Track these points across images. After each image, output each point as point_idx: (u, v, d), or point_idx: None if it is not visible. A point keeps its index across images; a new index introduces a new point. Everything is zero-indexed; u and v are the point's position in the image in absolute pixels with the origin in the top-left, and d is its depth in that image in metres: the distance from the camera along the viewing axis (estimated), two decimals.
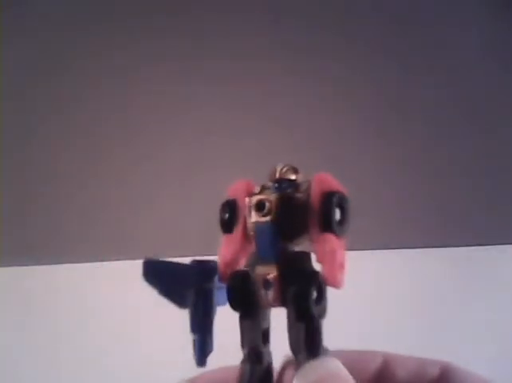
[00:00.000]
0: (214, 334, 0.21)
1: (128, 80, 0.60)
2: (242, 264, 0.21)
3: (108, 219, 0.60)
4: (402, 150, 0.60)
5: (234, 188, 0.22)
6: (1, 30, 0.59)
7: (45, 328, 0.55)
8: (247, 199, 0.21)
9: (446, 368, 0.21)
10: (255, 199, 0.21)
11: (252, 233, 0.21)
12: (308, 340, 0.19)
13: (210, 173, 0.59)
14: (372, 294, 0.54)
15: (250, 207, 0.21)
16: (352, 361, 0.21)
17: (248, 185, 0.22)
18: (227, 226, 0.22)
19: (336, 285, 0.19)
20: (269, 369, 0.20)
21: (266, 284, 0.20)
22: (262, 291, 0.20)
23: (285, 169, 0.21)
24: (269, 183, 0.21)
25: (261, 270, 0.20)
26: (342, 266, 0.20)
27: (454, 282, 0.56)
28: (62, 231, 0.60)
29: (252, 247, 0.21)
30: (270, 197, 0.21)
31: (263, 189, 0.21)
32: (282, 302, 0.20)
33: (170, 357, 0.51)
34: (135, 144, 0.60)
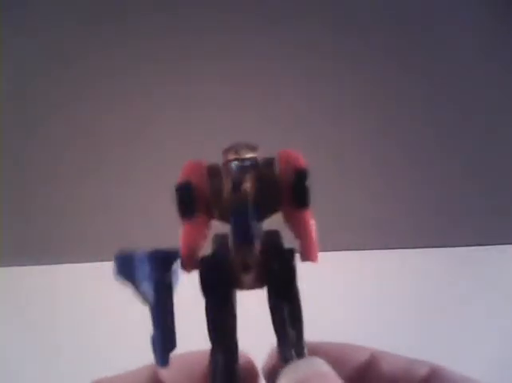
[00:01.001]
0: (176, 330, 0.20)
1: (127, 81, 0.60)
2: (203, 250, 0.21)
3: (108, 219, 0.60)
4: (401, 150, 0.60)
5: (187, 169, 0.21)
6: (1, 30, 0.59)
7: (45, 328, 0.55)
8: (208, 180, 0.21)
9: (435, 369, 0.21)
10: (228, 178, 0.20)
11: (224, 216, 0.20)
12: (294, 318, 0.19)
13: None
14: (372, 294, 0.54)
15: (217, 188, 0.20)
16: (338, 352, 0.21)
17: (201, 165, 0.21)
18: (186, 211, 0.21)
19: (314, 260, 0.20)
20: (234, 364, 0.20)
21: (246, 267, 0.19)
22: (242, 274, 0.20)
23: (245, 147, 0.21)
24: (231, 162, 0.20)
25: (238, 252, 0.19)
26: (316, 240, 0.20)
27: (454, 282, 0.56)
28: (62, 231, 0.60)
29: (210, 231, 0.21)
30: (245, 176, 0.20)
31: (226, 168, 0.20)
32: (264, 282, 0.20)
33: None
34: (135, 144, 0.60)
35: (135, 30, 0.60)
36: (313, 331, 0.20)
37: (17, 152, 0.60)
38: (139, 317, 0.56)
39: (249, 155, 0.20)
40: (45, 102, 0.60)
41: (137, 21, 0.60)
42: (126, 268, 0.20)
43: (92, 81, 0.60)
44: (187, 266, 0.20)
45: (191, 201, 0.20)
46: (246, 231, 0.19)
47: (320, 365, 0.17)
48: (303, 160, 0.20)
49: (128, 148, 0.60)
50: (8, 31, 0.59)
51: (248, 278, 0.20)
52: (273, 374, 0.20)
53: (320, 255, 0.20)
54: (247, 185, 0.20)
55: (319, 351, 0.19)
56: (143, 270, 0.20)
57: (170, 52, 0.60)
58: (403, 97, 0.60)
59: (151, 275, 0.20)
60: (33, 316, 0.56)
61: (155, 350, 0.20)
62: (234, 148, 0.20)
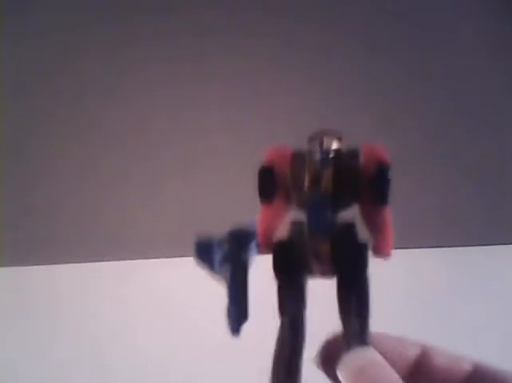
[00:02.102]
0: (249, 303, 0.21)
1: (127, 81, 0.60)
2: (280, 233, 0.21)
3: (108, 219, 0.60)
4: (402, 150, 0.60)
5: (271, 154, 0.21)
6: (1, 30, 0.59)
7: (45, 328, 0.55)
8: (289, 168, 0.21)
9: (477, 364, 0.21)
10: (310, 169, 0.20)
11: (301, 205, 0.20)
12: (361, 308, 0.20)
13: (211, 173, 0.59)
14: (371, 294, 0.54)
15: (298, 177, 0.20)
16: (393, 346, 0.21)
17: (286, 152, 0.21)
18: (266, 194, 0.21)
19: (388, 256, 0.20)
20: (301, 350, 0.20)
21: (318, 256, 0.20)
22: (313, 262, 0.20)
23: (331, 138, 0.20)
24: (315, 152, 0.20)
25: (314, 241, 0.20)
26: (393, 237, 0.20)
27: (454, 282, 0.56)
28: (62, 231, 0.60)
29: (288, 217, 0.21)
30: (327, 169, 0.20)
31: (309, 158, 0.20)
32: (335, 272, 0.20)
33: (170, 357, 0.51)
34: (135, 144, 0.60)
35: (136, 30, 0.60)
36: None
37: (18, 152, 0.60)
38: (139, 317, 0.56)
39: (333, 146, 0.20)
40: (45, 102, 0.60)
41: (137, 22, 0.60)
42: (205, 253, 0.21)
43: (92, 81, 0.60)
44: (263, 248, 0.21)
45: (271, 185, 0.21)
46: (321, 224, 0.20)
47: (376, 355, 0.18)
48: (387, 155, 0.20)
49: (129, 149, 0.60)
50: (8, 31, 0.59)
51: (320, 266, 0.20)
52: (330, 360, 0.21)
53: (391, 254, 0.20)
54: (327, 181, 0.20)
55: (377, 342, 0.20)
56: (222, 249, 0.20)
57: (170, 52, 0.60)
58: (402, 97, 0.60)
59: (230, 252, 0.20)
60: (34, 316, 0.56)
61: (229, 321, 0.21)
62: (320, 138, 0.20)
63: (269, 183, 0.21)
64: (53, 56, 0.60)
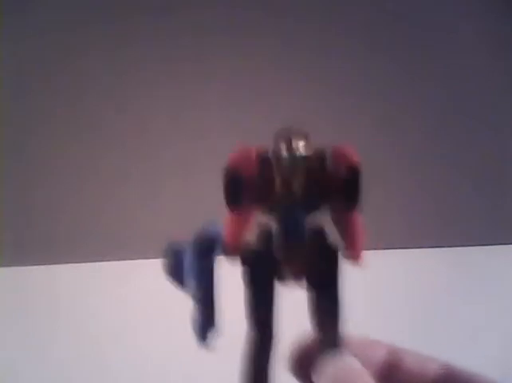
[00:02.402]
0: (217, 310, 0.21)
1: (127, 81, 0.60)
2: (246, 239, 0.21)
3: (108, 219, 0.60)
4: (402, 150, 0.60)
5: (237, 157, 0.20)
6: (1, 30, 0.59)
7: (45, 328, 0.55)
8: (258, 171, 0.20)
9: (448, 367, 0.22)
10: (280, 172, 0.19)
11: (271, 209, 0.20)
12: (332, 312, 0.19)
13: (211, 173, 0.58)
14: (372, 294, 0.54)
15: (266, 180, 0.20)
16: (362, 349, 0.21)
17: (251, 153, 0.20)
18: (233, 200, 0.20)
19: (358, 260, 0.20)
20: (270, 340, 0.20)
21: (290, 262, 0.20)
22: (285, 268, 0.20)
23: (298, 137, 0.19)
24: (282, 153, 0.19)
25: (284, 247, 0.20)
26: (364, 243, 0.20)
27: (454, 282, 0.56)
28: (62, 231, 0.60)
29: (254, 220, 0.20)
30: (297, 172, 0.19)
31: (277, 160, 0.19)
32: (305, 276, 0.20)
33: (170, 357, 0.51)
34: (135, 143, 0.60)
35: (136, 30, 0.60)
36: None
37: (18, 152, 0.60)
38: (139, 317, 0.56)
39: (301, 144, 0.19)
40: (45, 102, 0.60)
41: (137, 22, 0.60)
42: (174, 267, 0.22)
43: (92, 81, 0.60)
44: (229, 254, 0.20)
45: (238, 189, 0.20)
46: (297, 231, 0.20)
47: (353, 361, 0.18)
48: (357, 157, 0.19)
49: (129, 149, 0.60)
50: (8, 31, 0.59)
51: (290, 273, 0.20)
52: (301, 364, 0.21)
53: (365, 256, 0.20)
54: (299, 185, 0.19)
55: (346, 345, 0.20)
56: (188, 258, 0.21)
57: (170, 52, 0.60)
58: (402, 97, 0.60)
59: (194, 260, 0.20)
60: (34, 316, 0.56)
61: (196, 331, 0.21)
62: (286, 137, 0.19)
63: (235, 188, 0.20)
64: (53, 56, 0.60)
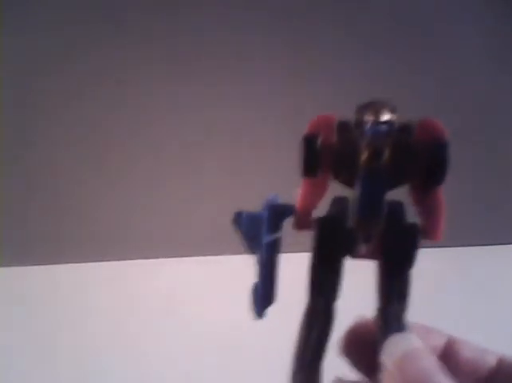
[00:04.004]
0: (277, 286, 0.20)
1: (128, 81, 0.60)
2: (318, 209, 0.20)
3: (108, 219, 0.60)
4: None
5: (316, 123, 0.19)
6: (1, 30, 0.59)
7: (45, 328, 0.55)
8: (339, 140, 0.19)
9: (503, 359, 0.21)
10: (368, 143, 0.18)
11: (350, 181, 0.18)
12: (402, 292, 0.19)
13: (212, 173, 0.59)
14: (371, 294, 0.54)
15: (348, 150, 0.18)
16: (421, 336, 0.21)
17: (332, 120, 0.19)
18: (310, 167, 0.19)
19: (438, 239, 0.19)
20: (330, 316, 0.20)
21: (367, 236, 0.19)
22: (360, 243, 0.19)
23: (385, 108, 0.19)
24: (367, 124, 0.18)
25: (362, 223, 0.19)
26: (442, 219, 0.19)
27: (454, 282, 0.56)
28: (62, 231, 0.60)
29: (326, 193, 0.19)
30: (385, 144, 0.18)
31: (362, 130, 0.18)
32: (380, 255, 0.19)
33: (170, 357, 0.51)
34: (135, 144, 0.60)
35: (136, 31, 0.60)
36: None
37: (18, 153, 0.60)
38: (139, 317, 0.56)
39: (387, 117, 0.18)
40: (45, 102, 0.60)
41: (137, 22, 0.60)
42: (245, 225, 0.20)
43: (92, 81, 0.60)
44: (300, 226, 0.19)
45: (315, 157, 0.19)
46: (376, 205, 0.18)
47: (420, 343, 0.18)
48: (445, 132, 0.18)
49: (129, 149, 0.60)
50: (8, 31, 0.59)
51: (365, 248, 0.19)
52: (355, 346, 0.20)
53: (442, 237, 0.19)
54: (386, 157, 0.18)
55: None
56: (258, 225, 0.19)
57: (170, 52, 0.60)
58: (402, 96, 0.60)
59: (264, 230, 0.19)
60: (34, 315, 0.56)
61: (255, 302, 0.20)
62: (373, 108, 0.18)
63: (313, 155, 0.19)
64: (53, 55, 0.60)
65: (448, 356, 0.21)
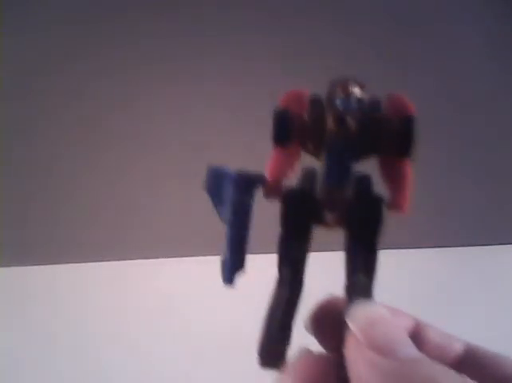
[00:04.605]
0: (247, 253, 0.20)
1: (127, 81, 0.60)
2: (290, 179, 0.20)
3: (108, 219, 0.60)
4: None
5: (287, 97, 0.20)
6: (1, 30, 0.59)
7: (45, 328, 0.55)
8: (309, 112, 0.19)
9: (472, 346, 0.22)
10: (334, 114, 0.19)
11: (318, 152, 0.19)
12: (369, 262, 0.19)
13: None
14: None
15: (317, 121, 0.19)
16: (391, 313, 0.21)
17: (303, 95, 0.20)
18: (280, 137, 0.20)
19: (404, 211, 0.20)
20: (296, 299, 0.19)
21: (333, 205, 0.19)
22: (326, 212, 0.19)
23: (351, 82, 0.19)
24: (337, 98, 0.19)
25: (328, 189, 0.19)
26: (411, 193, 0.20)
27: (454, 282, 0.56)
28: (62, 231, 0.60)
29: (298, 163, 0.20)
30: (351, 116, 0.19)
31: (331, 103, 0.19)
32: (346, 224, 0.19)
33: (170, 357, 0.51)
34: (135, 144, 0.60)
35: (136, 31, 0.60)
36: None
37: (17, 153, 0.60)
38: (139, 317, 0.56)
39: (357, 93, 0.19)
40: (45, 102, 0.60)
41: (137, 22, 0.60)
42: (214, 185, 0.20)
43: (92, 81, 0.60)
44: (270, 194, 0.20)
45: (286, 127, 0.20)
46: (342, 173, 0.19)
47: (385, 311, 0.18)
48: (412, 106, 0.19)
49: (129, 149, 0.60)
50: (8, 31, 0.59)
51: (331, 217, 0.19)
52: (322, 323, 0.20)
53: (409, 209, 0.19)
54: (351, 128, 0.18)
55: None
56: (228, 190, 0.20)
57: (170, 52, 0.60)
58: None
59: (233, 195, 0.19)
60: (34, 315, 0.56)
61: (223, 269, 0.20)
62: (342, 83, 0.19)
63: (283, 126, 0.20)
64: (53, 56, 0.60)
65: (415, 339, 0.21)
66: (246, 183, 0.19)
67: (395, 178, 0.19)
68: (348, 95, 0.19)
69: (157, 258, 0.58)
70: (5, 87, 0.59)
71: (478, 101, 0.60)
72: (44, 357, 0.53)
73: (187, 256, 0.58)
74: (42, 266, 0.58)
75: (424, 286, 0.56)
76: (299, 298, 0.19)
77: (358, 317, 0.18)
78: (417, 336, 0.22)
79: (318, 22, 0.59)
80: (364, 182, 0.20)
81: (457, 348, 0.21)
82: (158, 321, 0.53)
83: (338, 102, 0.19)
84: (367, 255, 0.19)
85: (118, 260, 0.58)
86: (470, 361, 0.21)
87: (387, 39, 0.60)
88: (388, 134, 0.19)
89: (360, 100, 0.19)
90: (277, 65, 0.59)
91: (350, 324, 0.17)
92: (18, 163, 0.60)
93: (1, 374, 0.52)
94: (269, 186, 0.20)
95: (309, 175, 0.20)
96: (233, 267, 0.19)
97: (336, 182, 0.19)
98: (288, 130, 0.20)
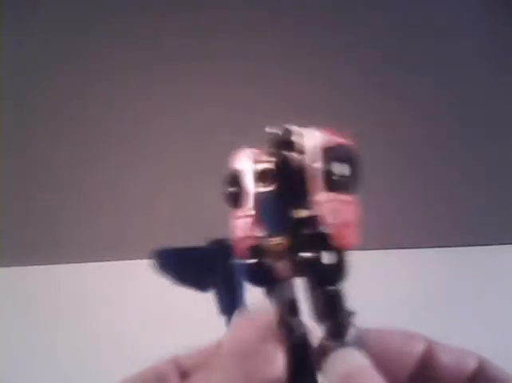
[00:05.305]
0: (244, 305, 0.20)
1: (127, 81, 0.60)
2: (257, 237, 0.20)
3: (108, 219, 0.60)
4: (402, 150, 0.60)
5: (237, 158, 0.21)
6: (1, 29, 0.59)
7: (45, 328, 0.55)
8: (250, 169, 0.20)
9: (482, 361, 0.21)
10: (256, 168, 0.19)
11: (256, 205, 0.20)
12: (327, 307, 0.18)
13: (212, 173, 0.58)
14: (372, 294, 0.54)
15: (252, 177, 0.20)
16: (398, 343, 0.20)
17: (251, 153, 0.20)
18: (234, 199, 0.20)
19: (344, 246, 0.18)
20: (303, 340, 0.19)
21: (279, 256, 0.19)
22: (278, 263, 0.19)
23: (282, 133, 0.19)
24: (272, 150, 0.19)
25: (271, 241, 0.19)
26: (348, 224, 0.18)
27: (454, 282, 0.56)
28: (62, 231, 0.60)
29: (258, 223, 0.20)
30: (270, 165, 0.19)
31: (263, 158, 0.20)
32: (297, 272, 0.19)
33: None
34: (135, 144, 0.60)
35: (135, 31, 0.60)
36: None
37: (17, 153, 0.60)
38: (139, 317, 0.56)
39: (289, 138, 0.19)
40: (45, 102, 0.60)
41: (137, 22, 0.60)
42: (169, 262, 0.21)
43: (92, 81, 0.60)
44: (239, 255, 0.20)
45: (235, 190, 0.20)
46: (272, 221, 0.19)
47: (361, 359, 0.17)
48: (336, 138, 0.19)
49: (129, 149, 0.60)
50: (8, 31, 0.59)
51: (281, 267, 0.19)
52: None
53: (355, 242, 0.18)
54: (266, 176, 0.19)
55: (382, 340, 0.19)
56: (203, 261, 0.20)
57: (170, 52, 0.60)
58: (402, 97, 0.60)
59: (213, 264, 0.20)
60: (34, 315, 0.56)
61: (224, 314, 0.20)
62: (276, 134, 0.20)
63: (233, 187, 0.20)
64: (53, 56, 0.60)
65: (428, 361, 0.21)
66: (223, 251, 0.20)
67: (327, 214, 0.18)
68: (277, 145, 0.19)
69: None
70: (6, 87, 0.59)
71: (478, 101, 0.60)
72: (44, 357, 0.53)
73: None
74: (42, 266, 0.58)
75: (424, 286, 0.56)
76: (296, 344, 0.19)
77: (333, 370, 0.17)
78: (429, 359, 0.21)
79: (318, 23, 0.59)
80: (307, 224, 0.19)
81: (470, 366, 0.21)
82: (158, 321, 0.53)
83: (272, 154, 0.19)
84: (324, 298, 0.18)
85: (118, 260, 0.58)
86: (483, 377, 0.21)
87: (387, 39, 0.60)
88: (314, 171, 0.18)
89: (289, 146, 0.19)
90: (278, 65, 0.59)
91: (325, 376, 0.17)
92: (18, 163, 0.60)
93: (2, 374, 0.52)
94: (235, 249, 0.20)
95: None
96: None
97: (274, 232, 0.19)
98: (237, 192, 0.20)
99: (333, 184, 0.18)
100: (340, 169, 0.18)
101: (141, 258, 0.60)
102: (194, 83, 0.59)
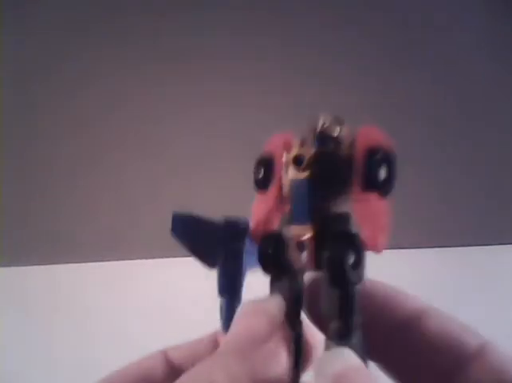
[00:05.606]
0: (243, 298, 0.20)
1: (127, 80, 0.60)
2: (275, 224, 0.20)
3: (108, 219, 0.60)
4: (402, 150, 0.60)
5: (270, 143, 0.20)
6: (1, 28, 0.59)
7: (45, 328, 0.55)
8: (285, 154, 0.20)
9: (484, 344, 0.20)
10: (293, 153, 0.19)
11: (288, 190, 0.19)
12: (342, 307, 0.18)
13: (212, 173, 0.59)
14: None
15: (287, 162, 0.19)
16: (392, 296, 0.20)
17: (286, 139, 0.20)
18: (262, 183, 0.20)
19: (376, 249, 0.18)
20: (299, 340, 0.19)
21: (300, 246, 0.19)
22: (296, 253, 0.19)
23: (327, 122, 0.19)
24: (310, 137, 0.19)
25: (295, 230, 0.19)
26: (384, 229, 0.18)
27: (454, 282, 0.56)
28: (62, 231, 0.60)
29: (286, 207, 0.20)
30: (309, 152, 0.19)
31: (303, 144, 0.19)
32: (316, 265, 0.19)
33: None
34: (135, 143, 0.60)
35: (135, 30, 0.60)
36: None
37: (18, 153, 0.60)
38: (139, 317, 0.56)
39: (331, 130, 0.19)
40: (45, 102, 0.60)
41: (137, 22, 0.60)
42: (184, 228, 0.21)
43: (92, 81, 0.60)
44: (256, 240, 0.20)
45: (266, 173, 0.20)
46: (302, 208, 0.19)
47: (355, 360, 0.17)
48: (382, 139, 0.19)
49: (129, 149, 0.60)
50: (8, 31, 0.59)
51: (302, 257, 0.19)
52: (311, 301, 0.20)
53: (385, 247, 0.18)
54: (307, 165, 0.19)
55: (376, 291, 0.19)
56: (215, 238, 0.20)
57: (170, 51, 0.60)
58: (402, 96, 0.60)
59: (223, 242, 0.20)
60: (34, 315, 0.56)
61: (221, 316, 0.20)
62: (318, 122, 0.19)
63: (262, 171, 0.20)
64: (53, 55, 0.60)
65: (416, 326, 0.20)
66: (234, 233, 0.20)
67: (364, 215, 0.18)
68: (318, 135, 0.19)
69: (157, 258, 0.58)
70: (6, 87, 0.59)
71: (478, 101, 0.60)
72: (44, 357, 0.53)
73: (187, 256, 0.58)
74: (42, 266, 0.58)
75: (424, 286, 0.56)
76: (299, 335, 0.19)
77: (324, 369, 0.17)
78: (418, 323, 0.20)
79: (318, 23, 0.59)
80: (337, 220, 0.19)
81: (470, 347, 0.20)
82: (158, 321, 0.53)
83: (310, 142, 0.19)
84: (339, 297, 0.18)
85: (118, 260, 0.58)
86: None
87: (387, 39, 0.60)
88: (356, 170, 0.18)
89: (331, 139, 0.19)
90: (278, 65, 0.59)
91: (315, 376, 0.17)
92: (18, 163, 0.60)
93: (2, 373, 0.52)
94: (252, 233, 0.20)
95: (286, 217, 0.20)
96: (231, 315, 0.19)
97: (298, 221, 0.19)
98: (267, 175, 0.20)
99: (371, 185, 0.18)
100: (380, 171, 0.18)
101: (141, 258, 0.60)
102: (195, 83, 0.59)
